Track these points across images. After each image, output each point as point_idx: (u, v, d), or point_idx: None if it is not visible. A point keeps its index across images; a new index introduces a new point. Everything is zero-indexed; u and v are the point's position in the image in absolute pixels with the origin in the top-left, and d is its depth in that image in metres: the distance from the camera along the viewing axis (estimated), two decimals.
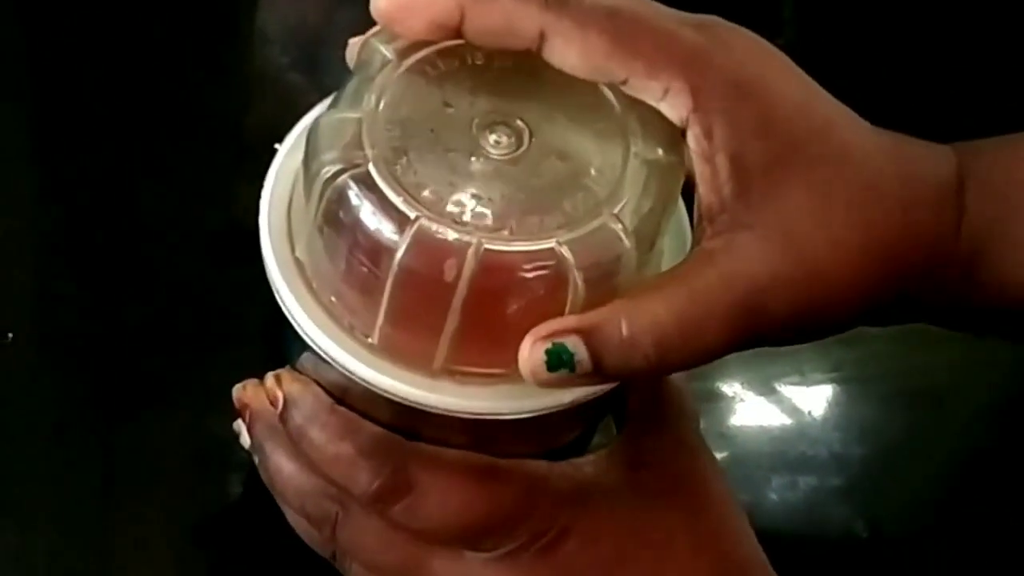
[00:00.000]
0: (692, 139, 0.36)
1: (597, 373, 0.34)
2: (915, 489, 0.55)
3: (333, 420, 0.38)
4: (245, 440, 0.42)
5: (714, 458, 0.43)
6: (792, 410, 0.55)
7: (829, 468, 0.54)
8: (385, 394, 0.37)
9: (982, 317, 0.42)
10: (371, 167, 0.35)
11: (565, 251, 0.34)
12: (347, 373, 0.37)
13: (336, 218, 0.35)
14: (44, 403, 0.51)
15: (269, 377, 0.40)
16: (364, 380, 0.37)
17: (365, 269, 0.35)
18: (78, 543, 0.48)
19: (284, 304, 0.38)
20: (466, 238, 0.34)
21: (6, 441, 0.49)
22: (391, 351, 0.37)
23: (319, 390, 0.39)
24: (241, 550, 0.49)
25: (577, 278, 0.34)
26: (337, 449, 0.38)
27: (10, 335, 0.52)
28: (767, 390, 0.56)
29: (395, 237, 0.34)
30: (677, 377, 0.43)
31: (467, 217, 0.35)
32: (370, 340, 0.37)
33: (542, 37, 0.35)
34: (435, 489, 0.38)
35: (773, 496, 0.52)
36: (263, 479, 0.42)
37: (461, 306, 0.34)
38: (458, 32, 0.36)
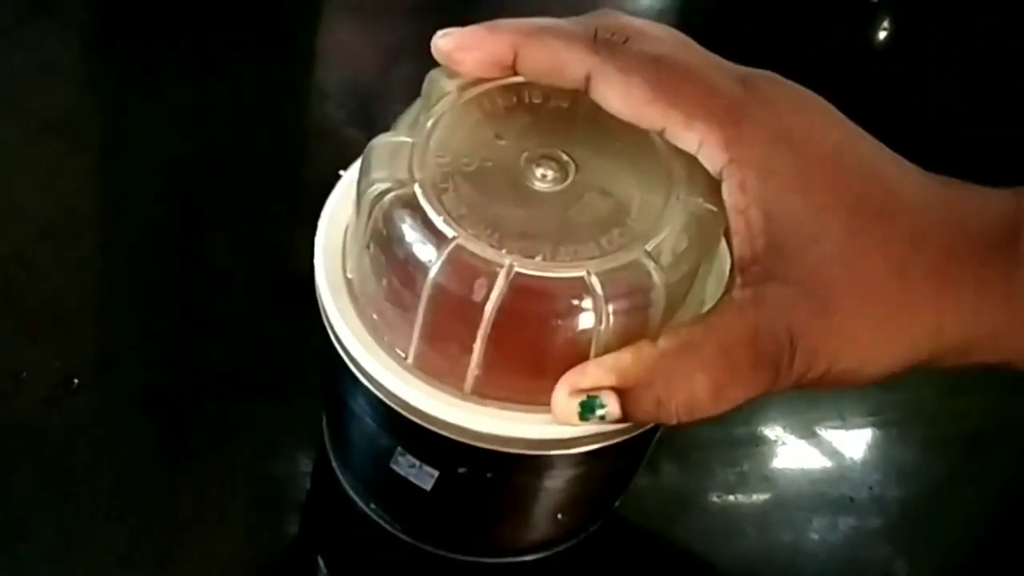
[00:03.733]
0: (726, 191, 0.36)
1: (624, 421, 0.35)
2: (954, 531, 0.55)
3: None
4: None
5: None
6: (833, 453, 0.56)
7: (869, 510, 0.54)
8: (417, 412, 0.37)
9: None
10: (417, 188, 0.36)
11: (595, 281, 0.35)
12: (383, 386, 0.38)
13: (381, 235, 0.36)
14: (108, 446, 0.51)
15: None
16: (397, 396, 0.37)
17: (403, 285, 0.36)
18: None
19: (328, 318, 0.39)
20: (499, 261, 0.34)
21: (72, 485, 0.49)
22: (425, 370, 0.37)
23: None
24: None
25: (606, 310, 0.35)
26: None
27: (76, 381, 0.52)
28: (808, 433, 0.56)
29: (432, 255, 0.35)
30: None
31: (503, 242, 0.35)
32: (407, 358, 0.37)
33: (589, 79, 0.36)
34: None
35: (814, 537, 0.52)
36: None
37: (490, 328, 0.35)
38: (513, 69, 0.37)
